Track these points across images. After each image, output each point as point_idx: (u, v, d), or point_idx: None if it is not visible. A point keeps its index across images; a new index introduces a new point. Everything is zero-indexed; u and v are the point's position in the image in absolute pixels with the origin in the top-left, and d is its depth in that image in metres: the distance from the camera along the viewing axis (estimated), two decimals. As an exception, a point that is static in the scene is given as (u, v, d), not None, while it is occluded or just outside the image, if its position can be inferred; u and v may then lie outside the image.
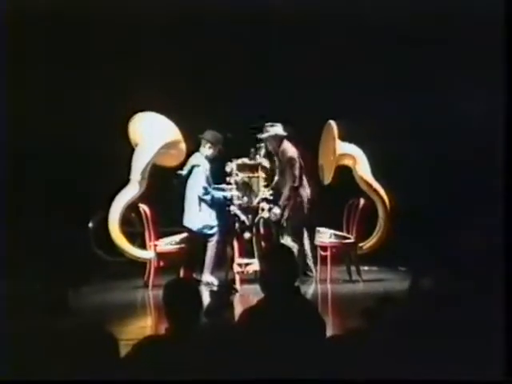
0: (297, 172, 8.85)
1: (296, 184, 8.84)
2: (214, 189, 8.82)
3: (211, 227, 8.75)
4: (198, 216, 8.76)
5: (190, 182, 8.78)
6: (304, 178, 8.96)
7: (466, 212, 9.11)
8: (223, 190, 8.84)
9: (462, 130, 9.23)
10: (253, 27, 9.49)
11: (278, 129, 8.92)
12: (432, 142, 9.49)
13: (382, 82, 9.57)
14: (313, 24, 9.49)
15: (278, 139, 8.91)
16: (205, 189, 8.72)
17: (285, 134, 8.92)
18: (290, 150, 8.91)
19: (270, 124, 8.91)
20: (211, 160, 8.86)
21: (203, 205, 8.76)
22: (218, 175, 8.90)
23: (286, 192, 8.85)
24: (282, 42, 9.74)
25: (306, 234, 8.99)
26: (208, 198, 8.73)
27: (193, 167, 8.79)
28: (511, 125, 5.44)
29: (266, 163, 8.92)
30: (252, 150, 8.87)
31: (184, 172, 8.80)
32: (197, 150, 8.92)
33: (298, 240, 8.84)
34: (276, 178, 9.05)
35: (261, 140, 8.90)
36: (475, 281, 4.33)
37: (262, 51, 9.84)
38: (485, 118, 8.52)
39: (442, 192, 9.34)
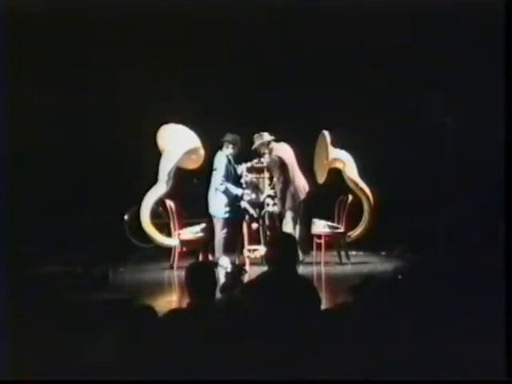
0: (278, 172, 8.74)
1: (281, 183, 8.75)
2: (231, 183, 8.75)
3: (224, 213, 8.70)
4: (215, 204, 8.72)
5: (213, 176, 8.74)
6: (295, 176, 8.79)
7: (438, 208, 9.12)
8: (237, 188, 8.78)
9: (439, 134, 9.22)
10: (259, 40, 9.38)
11: (264, 136, 8.81)
12: (410, 147, 9.46)
13: (369, 96, 9.51)
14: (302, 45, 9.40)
15: (266, 144, 8.83)
16: (222, 181, 8.68)
17: (271, 138, 8.83)
18: (274, 152, 8.75)
19: (257, 134, 8.81)
20: (232, 157, 8.80)
21: (221, 196, 8.72)
22: (233, 176, 8.86)
23: (277, 189, 8.79)
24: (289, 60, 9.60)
25: (298, 223, 8.87)
26: (222, 188, 8.67)
27: (217, 164, 8.75)
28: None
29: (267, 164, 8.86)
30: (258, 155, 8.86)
31: (214, 167, 8.74)
32: (217, 151, 8.86)
33: (293, 227, 8.77)
34: (274, 178, 8.97)
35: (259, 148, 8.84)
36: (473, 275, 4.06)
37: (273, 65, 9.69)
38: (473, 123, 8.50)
39: (418, 191, 9.32)
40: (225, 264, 8.43)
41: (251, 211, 8.73)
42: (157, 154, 9.06)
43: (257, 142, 8.81)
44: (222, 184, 8.67)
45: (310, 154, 9.37)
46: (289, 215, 8.79)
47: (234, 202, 8.71)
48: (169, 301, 7.43)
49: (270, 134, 8.81)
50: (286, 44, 9.47)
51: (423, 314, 3.51)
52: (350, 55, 9.43)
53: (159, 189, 9.10)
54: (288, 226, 8.73)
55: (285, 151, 8.85)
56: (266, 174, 8.88)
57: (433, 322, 3.47)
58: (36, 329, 3.51)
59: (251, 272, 8.08)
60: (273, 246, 4.32)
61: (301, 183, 8.87)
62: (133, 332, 3.45)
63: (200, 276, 3.83)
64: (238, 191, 8.72)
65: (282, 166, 8.75)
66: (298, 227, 8.83)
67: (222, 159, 8.74)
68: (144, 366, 3.34)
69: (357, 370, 3.32)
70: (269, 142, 8.80)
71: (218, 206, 8.72)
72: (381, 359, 3.35)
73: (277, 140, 8.85)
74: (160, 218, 9.58)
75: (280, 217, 8.86)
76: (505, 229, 4.40)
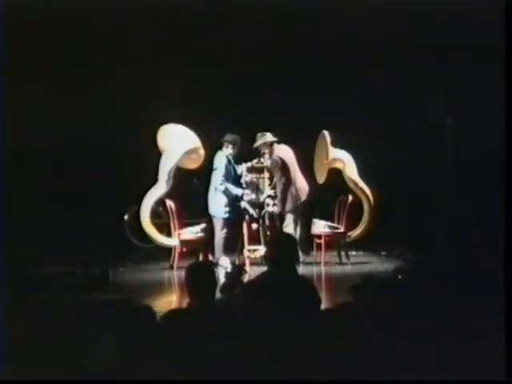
0: (279, 173, 8.74)
1: (282, 184, 8.75)
2: (231, 183, 8.74)
3: (224, 213, 8.69)
4: (215, 204, 8.72)
5: (213, 176, 8.74)
6: (296, 177, 8.82)
7: (438, 208, 9.13)
8: (237, 188, 8.77)
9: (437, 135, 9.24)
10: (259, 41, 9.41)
11: (267, 136, 8.83)
12: (410, 147, 9.47)
13: (369, 96, 9.51)
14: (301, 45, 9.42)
15: (269, 144, 8.84)
16: (221, 182, 8.68)
17: (274, 139, 8.84)
18: (276, 153, 8.78)
19: (260, 134, 8.84)
20: (232, 157, 8.80)
21: (221, 196, 8.72)
22: (233, 176, 8.85)
23: (278, 190, 8.80)
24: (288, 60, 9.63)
25: (299, 224, 8.88)
26: (222, 188, 8.67)
27: (217, 164, 8.74)
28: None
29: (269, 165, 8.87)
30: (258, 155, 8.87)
31: (214, 167, 8.74)
32: (217, 151, 8.86)
33: (295, 228, 8.78)
34: (274, 178, 8.97)
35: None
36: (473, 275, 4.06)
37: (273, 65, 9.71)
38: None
39: (418, 191, 9.33)
40: (225, 264, 8.43)
41: (251, 211, 8.73)
42: (157, 154, 9.07)
43: (259, 141, 8.81)
44: (221, 184, 8.67)
45: (310, 155, 9.37)
46: (290, 217, 8.80)
47: (233, 202, 8.71)
48: (169, 301, 7.44)
49: (273, 136, 8.82)
50: (286, 44, 9.47)
51: (423, 313, 3.51)
52: (350, 55, 9.43)
53: (159, 189, 9.10)
54: (289, 228, 8.73)
55: (286, 152, 8.87)
56: (266, 174, 8.89)
57: (433, 322, 3.47)
58: (36, 329, 3.51)
59: (251, 272, 8.08)
60: (273, 246, 4.33)
61: (302, 184, 8.88)
62: (133, 332, 3.44)
63: (200, 276, 3.83)
64: (237, 191, 8.72)
65: (283, 167, 8.76)
66: (298, 228, 8.84)
67: (221, 159, 8.74)
68: (144, 366, 3.34)
69: (357, 369, 3.32)
70: (271, 144, 8.81)
71: (217, 206, 8.73)
72: (381, 359, 3.34)
73: (279, 142, 8.86)
74: (160, 218, 9.58)
75: (280, 217, 8.87)
76: (505, 229, 4.39)
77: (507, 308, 3.71)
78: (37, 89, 9.18)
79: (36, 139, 9.22)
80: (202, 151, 9.06)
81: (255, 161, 8.87)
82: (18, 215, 7.53)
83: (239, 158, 8.86)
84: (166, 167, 9.07)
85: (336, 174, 9.43)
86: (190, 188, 9.85)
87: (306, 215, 8.93)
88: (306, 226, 8.96)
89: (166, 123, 9.05)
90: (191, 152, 9.09)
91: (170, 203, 8.99)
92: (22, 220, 8.24)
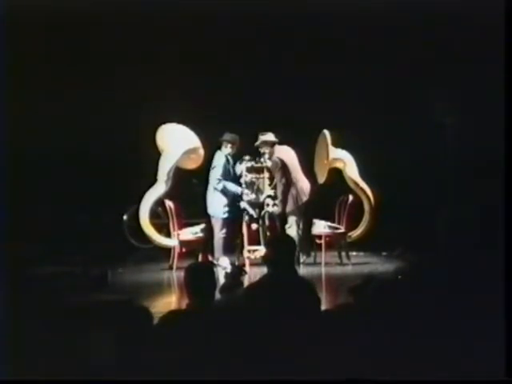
0: (279, 174, 8.76)
1: (282, 185, 8.75)
2: (229, 182, 8.74)
3: (223, 213, 8.70)
4: (214, 204, 8.73)
5: (211, 176, 8.75)
6: (298, 178, 8.83)
7: (438, 208, 9.13)
8: (235, 187, 8.78)
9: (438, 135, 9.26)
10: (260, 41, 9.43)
11: (268, 136, 8.84)
12: (411, 147, 9.49)
13: (369, 96, 9.52)
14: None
15: (270, 145, 8.84)
16: (219, 180, 8.68)
17: (275, 140, 8.86)
18: (276, 154, 8.80)
19: (262, 133, 8.85)
20: (231, 157, 8.81)
21: (219, 195, 8.73)
22: (233, 175, 8.86)
23: (279, 191, 8.81)
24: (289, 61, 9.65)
25: (300, 225, 8.91)
26: (220, 186, 8.68)
27: (215, 163, 8.75)
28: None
29: (269, 166, 8.88)
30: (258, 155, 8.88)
31: (212, 166, 8.75)
32: (216, 151, 8.87)
33: (296, 230, 8.79)
34: (274, 179, 8.98)
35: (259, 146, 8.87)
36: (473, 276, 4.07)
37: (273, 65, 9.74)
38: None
39: (418, 191, 9.33)
40: (224, 265, 8.44)
41: (251, 211, 8.74)
42: (156, 154, 9.07)
43: (260, 139, 8.81)
44: (219, 182, 8.66)
45: (310, 155, 9.37)
46: (292, 218, 8.80)
47: (232, 201, 8.72)
48: (168, 301, 7.44)
49: (275, 136, 8.83)
50: (286, 44, 9.48)
51: (423, 314, 3.52)
52: (350, 55, 9.44)
53: (158, 189, 9.10)
54: (292, 229, 8.73)
55: (287, 153, 8.87)
56: (266, 174, 8.89)
57: (433, 322, 3.47)
58: (36, 329, 3.52)
59: (251, 273, 8.09)
60: (272, 246, 4.33)
61: (304, 185, 8.86)
62: (132, 333, 3.45)
63: (199, 277, 3.84)
64: (236, 189, 8.71)
65: (284, 168, 8.77)
66: (299, 228, 8.83)
67: (220, 159, 8.75)
68: (143, 367, 3.35)
69: (357, 370, 3.32)
70: (273, 144, 8.82)
71: (216, 206, 8.73)
72: (381, 359, 3.35)
73: (280, 142, 8.86)
74: (159, 219, 9.59)
75: (280, 217, 8.87)
76: (505, 229, 4.40)
77: (507, 308, 3.70)
78: (36, 89, 9.19)
79: (36, 139, 9.23)
80: (201, 151, 9.07)
81: (255, 161, 8.87)
82: (18, 215, 7.55)
83: (239, 157, 8.87)
84: (165, 167, 9.08)
85: (336, 174, 9.44)
86: (190, 188, 9.86)
87: (306, 215, 8.94)
88: (307, 227, 8.97)
89: (165, 123, 9.06)
90: (190, 152, 9.10)
91: (169, 203, 8.99)
92: (22, 220, 8.25)
